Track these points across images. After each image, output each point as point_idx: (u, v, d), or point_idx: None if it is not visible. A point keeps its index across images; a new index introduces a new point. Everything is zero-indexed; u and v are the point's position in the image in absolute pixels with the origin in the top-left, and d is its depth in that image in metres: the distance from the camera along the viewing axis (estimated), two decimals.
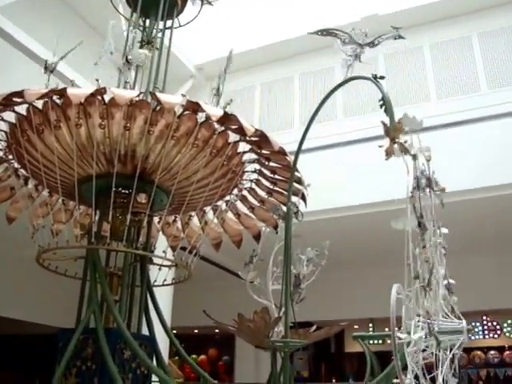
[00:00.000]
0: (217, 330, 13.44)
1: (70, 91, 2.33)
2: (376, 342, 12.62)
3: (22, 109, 2.75)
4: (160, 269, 3.07)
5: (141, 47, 3.25)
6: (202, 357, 13.54)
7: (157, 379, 2.89)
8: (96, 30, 7.11)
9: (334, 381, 13.42)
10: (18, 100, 2.54)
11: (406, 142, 1.58)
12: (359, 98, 7.58)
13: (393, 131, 1.58)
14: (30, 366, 18.36)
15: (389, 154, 1.60)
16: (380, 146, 1.61)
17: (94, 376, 2.60)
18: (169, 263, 2.98)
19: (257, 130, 2.46)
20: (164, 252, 2.88)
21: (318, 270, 2.56)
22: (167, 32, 3.40)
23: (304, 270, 2.48)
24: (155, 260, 3.07)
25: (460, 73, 7.67)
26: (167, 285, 3.10)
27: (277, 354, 2.41)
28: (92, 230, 2.79)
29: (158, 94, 2.40)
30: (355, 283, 9.62)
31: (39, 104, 2.66)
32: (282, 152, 2.69)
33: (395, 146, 1.58)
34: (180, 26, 3.52)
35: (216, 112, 2.41)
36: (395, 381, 2.08)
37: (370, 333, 3.00)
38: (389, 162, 2.31)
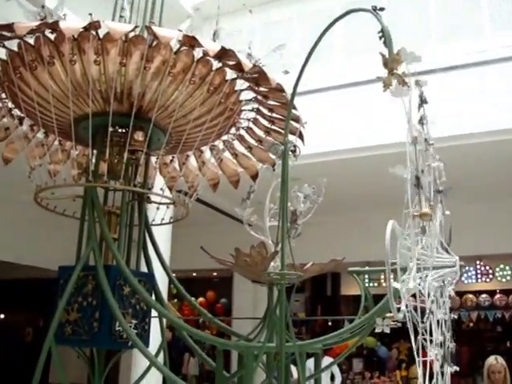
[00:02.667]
0: (215, 273, 13.72)
1: (63, 24, 2.28)
2: (372, 284, 12.91)
3: (12, 45, 2.70)
4: (158, 208, 3.10)
5: None
6: (201, 299, 13.88)
7: (156, 314, 2.99)
8: None
9: (329, 323, 13.82)
10: (8, 34, 2.49)
11: (403, 73, 1.57)
12: (360, 38, 7.44)
13: (391, 62, 1.57)
14: (34, 309, 18.90)
15: (387, 85, 1.59)
16: (378, 77, 1.61)
17: (95, 311, 2.68)
18: (167, 201, 3.01)
19: (254, 65, 2.43)
20: (162, 190, 2.91)
21: (315, 207, 2.60)
22: None
23: (301, 207, 2.51)
24: (153, 199, 3.10)
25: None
26: (165, 224, 3.13)
27: (273, 289, 2.48)
28: (89, 169, 2.81)
29: (155, 28, 2.35)
30: (352, 227, 9.74)
31: (31, 40, 2.62)
32: (279, 89, 2.67)
33: (393, 77, 1.57)
34: None
35: (213, 47, 2.37)
36: (389, 315, 2.14)
37: (366, 268, 3.06)
38: (388, 104, 2.30)
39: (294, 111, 2.85)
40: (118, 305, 2.57)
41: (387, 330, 2.05)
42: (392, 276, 1.86)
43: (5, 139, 3.29)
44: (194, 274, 13.06)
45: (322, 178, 2.72)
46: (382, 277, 11.99)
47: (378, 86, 1.74)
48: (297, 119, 2.91)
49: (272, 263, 2.36)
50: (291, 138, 3.05)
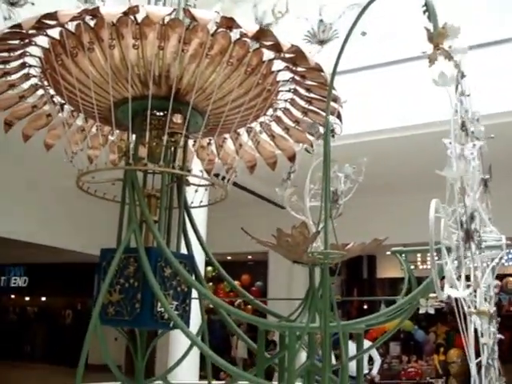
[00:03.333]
0: (249, 257, 13.82)
1: (104, 10, 2.31)
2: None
3: (50, 35, 2.74)
4: (196, 190, 3.13)
5: None
6: (236, 283, 13.97)
7: (196, 296, 3.04)
8: None
9: (365, 307, 13.79)
10: (51, 23, 2.54)
11: (450, 47, 1.54)
12: (403, 13, 7.27)
13: (436, 37, 1.54)
14: (72, 292, 19.46)
15: (432, 60, 1.56)
16: (423, 52, 1.58)
17: (137, 292, 2.74)
18: (205, 183, 3.04)
19: (293, 45, 2.42)
20: (201, 171, 2.93)
21: (355, 186, 2.59)
22: None
23: (341, 187, 2.50)
24: (191, 181, 3.13)
25: None
26: (204, 206, 3.16)
27: (315, 269, 2.49)
28: (129, 152, 2.85)
29: (192, 10, 2.36)
30: (389, 209, 9.65)
31: (72, 27, 2.66)
32: (318, 68, 2.65)
33: (438, 52, 1.54)
34: None
35: (251, 27, 2.37)
36: (432, 295, 2.12)
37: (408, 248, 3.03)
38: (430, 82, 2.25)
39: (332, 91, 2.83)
40: (159, 286, 2.62)
41: (431, 311, 2.04)
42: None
43: (46, 126, 3.37)
44: (229, 258, 13.19)
45: (362, 158, 2.70)
46: (419, 259, 11.86)
47: (420, 63, 1.72)
48: (335, 99, 2.89)
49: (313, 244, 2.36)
50: (330, 118, 3.04)
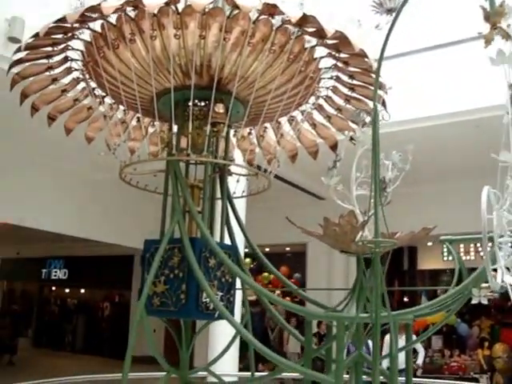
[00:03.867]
0: (287, 248, 13.82)
1: (146, 1, 2.33)
2: (451, 258, 12.57)
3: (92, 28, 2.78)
4: (238, 180, 3.14)
5: None
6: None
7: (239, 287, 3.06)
8: None
9: (405, 299, 13.64)
10: (94, 15, 2.58)
11: (509, 25, 1.49)
12: None
13: (493, 15, 1.50)
14: (110, 284, 19.89)
15: (488, 41, 1.52)
16: (479, 33, 1.54)
17: (182, 283, 2.77)
18: (248, 173, 3.04)
19: (336, 30, 2.39)
20: (245, 162, 2.94)
21: (402, 174, 2.55)
22: None
23: (389, 175, 2.47)
24: (233, 171, 3.15)
25: None
26: (246, 196, 3.17)
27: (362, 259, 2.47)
28: (171, 143, 2.88)
29: None
30: (437, 197, 9.45)
31: (112, 19, 2.69)
32: (362, 54, 2.62)
33: (495, 31, 1.50)
34: None
35: (294, 13, 2.35)
36: (484, 285, 2.08)
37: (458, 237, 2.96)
38: (483, 66, 2.19)
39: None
40: (204, 277, 2.64)
41: (485, 301, 2.00)
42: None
43: (87, 119, 3.43)
44: (267, 250, 13.22)
45: (408, 145, 2.66)
46: (462, 250, 11.65)
47: (470, 45, 1.67)
48: (380, 85, 2.85)
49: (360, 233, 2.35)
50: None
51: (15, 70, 3.01)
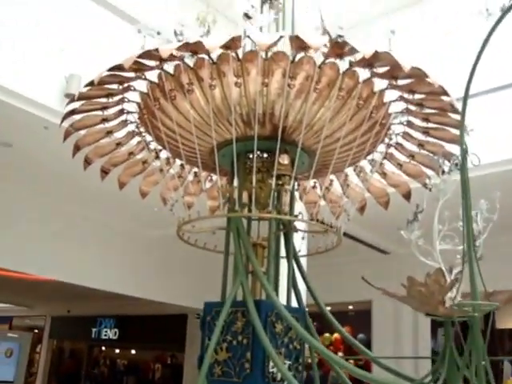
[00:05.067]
0: (350, 307, 13.39)
1: (207, 44, 2.27)
2: None
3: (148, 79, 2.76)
4: (303, 237, 3.00)
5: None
6: (336, 335, 13.58)
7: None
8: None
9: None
10: (150, 64, 2.56)
11: None
12: None
13: None
14: (162, 345, 19.78)
15: None
16: None
17: (246, 351, 2.61)
18: (316, 229, 2.90)
19: (413, 67, 2.26)
20: (313, 218, 2.80)
21: (490, 225, 2.36)
22: None
23: (477, 226, 2.28)
24: (299, 227, 3.01)
25: None
26: (318, 253, 3.01)
27: (450, 324, 2.26)
28: (233, 198, 2.78)
29: (302, 36, 2.25)
30: None
31: (170, 68, 2.67)
32: (441, 92, 2.46)
33: None
34: None
35: (367, 50, 2.24)
36: None
37: None
38: None
39: (455, 116, 2.64)
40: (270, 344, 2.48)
41: None
42: None
43: (142, 172, 3.39)
44: (329, 308, 12.86)
45: (495, 192, 2.47)
46: None
47: None
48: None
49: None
50: (452, 147, 2.84)
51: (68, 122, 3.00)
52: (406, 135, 3.05)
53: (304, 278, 2.95)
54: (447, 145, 2.93)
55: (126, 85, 2.76)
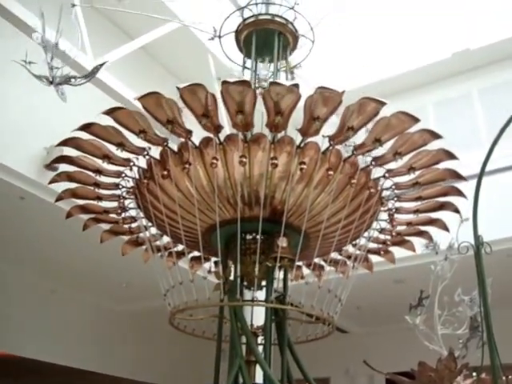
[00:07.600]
0: None
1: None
2: None
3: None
4: (301, 324, 2.98)
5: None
6: None
7: None
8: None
9: None
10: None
11: None
12: None
13: None
14: None
15: None
16: None
17: None
18: (309, 318, 2.88)
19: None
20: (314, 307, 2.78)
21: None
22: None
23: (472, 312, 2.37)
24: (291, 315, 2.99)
25: None
26: (309, 341, 2.99)
27: None
28: (230, 284, 2.76)
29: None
30: None
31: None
32: (441, 178, 2.62)
33: None
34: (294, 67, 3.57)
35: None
36: None
37: None
38: None
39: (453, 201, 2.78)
40: None
41: None
42: None
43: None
44: None
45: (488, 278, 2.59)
46: None
47: None
48: (456, 210, 2.80)
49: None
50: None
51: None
52: (391, 219, 3.14)
53: (300, 367, 2.90)
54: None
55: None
